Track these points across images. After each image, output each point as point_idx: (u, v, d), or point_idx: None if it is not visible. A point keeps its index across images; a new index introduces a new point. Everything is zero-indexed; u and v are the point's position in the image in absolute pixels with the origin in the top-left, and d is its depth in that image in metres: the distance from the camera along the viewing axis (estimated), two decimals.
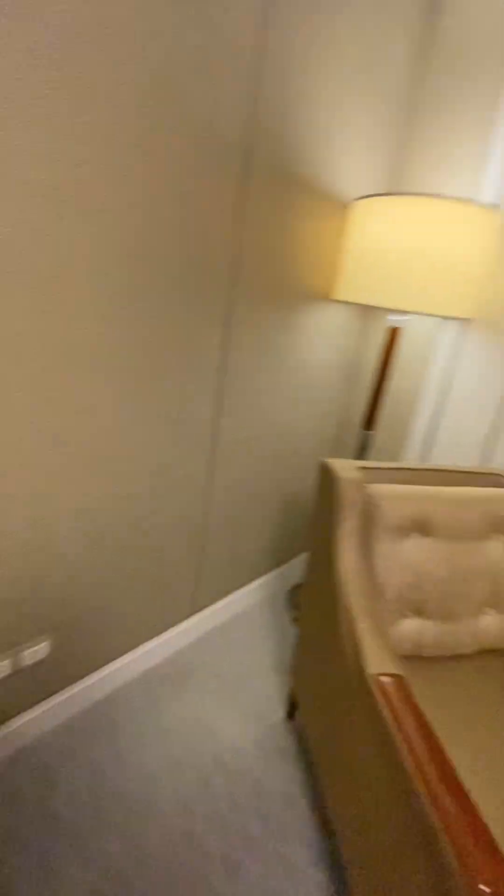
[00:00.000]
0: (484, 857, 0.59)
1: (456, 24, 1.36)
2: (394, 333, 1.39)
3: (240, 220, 1.12)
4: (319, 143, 1.23)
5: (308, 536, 2.09)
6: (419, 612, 1.07)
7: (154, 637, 1.47)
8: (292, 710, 1.38)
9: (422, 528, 1.06)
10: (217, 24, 0.90)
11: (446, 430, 1.58)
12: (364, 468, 1.10)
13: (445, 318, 1.20)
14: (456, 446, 1.57)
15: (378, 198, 1.18)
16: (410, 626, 1.06)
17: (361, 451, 1.55)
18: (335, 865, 1.05)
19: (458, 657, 1.13)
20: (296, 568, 2.02)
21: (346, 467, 1.08)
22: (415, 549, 1.04)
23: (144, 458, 1.17)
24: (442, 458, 1.60)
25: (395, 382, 1.69)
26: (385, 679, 0.83)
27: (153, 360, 1.08)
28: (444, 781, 0.66)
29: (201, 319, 1.15)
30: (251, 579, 1.79)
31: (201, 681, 1.46)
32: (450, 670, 1.09)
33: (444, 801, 0.64)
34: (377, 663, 0.86)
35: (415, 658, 1.11)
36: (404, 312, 1.31)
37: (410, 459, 1.68)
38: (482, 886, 0.57)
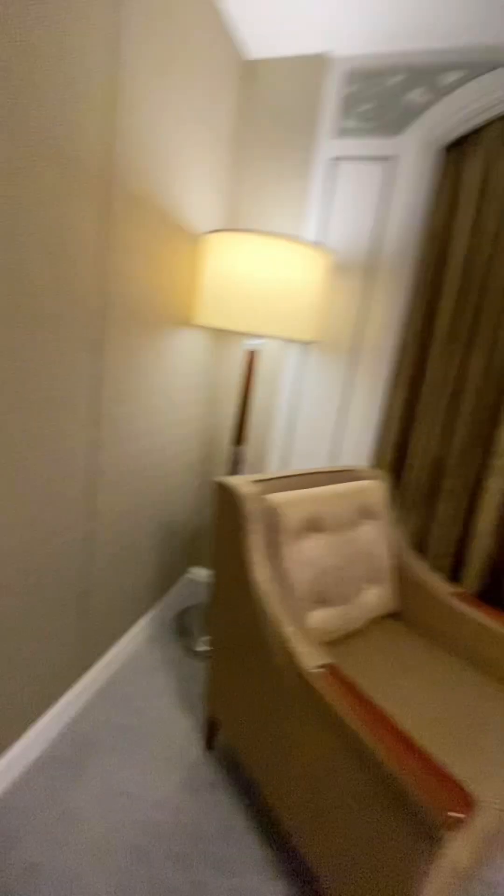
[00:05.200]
0: (450, 791, 0.70)
1: (268, 88, 1.58)
2: (251, 356, 1.52)
3: (106, 248, 1.08)
4: (171, 180, 1.28)
5: (194, 556, 2.07)
6: (323, 601, 1.18)
7: (42, 715, 1.26)
8: (211, 739, 1.35)
9: (315, 526, 1.18)
10: (74, 59, 0.87)
11: (301, 440, 1.79)
12: (257, 481, 1.18)
13: (291, 341, 1.37)
14: (309, 453, 1.78)
15: (224, 233, 1.28)
16: (318, 616, 1.17)
17: (235, 466, 1.63)
18: (300, 877, 1.08)
19: (352, 633, 1.29)
20: (179, 593, 1.98)
21: (242, 483, 1.13)
22: (313, 547, 1.16)
23: (9, 510, 1.01)
24: (300, 465, 1.80)
25: (256, 401, 1.83)
26: (322, 671, 0.90)
27: (14, 398, 0.95)
28: (400, 741, 0.76)
29: (70, 346, 1.06)
30: (138, 617, 1.69)
31: (105, 744, 1.31)
32: (350, 646, 1.24)
33: (407, 759, 0.74)
34: (310, 659, 0.93)
35: (323, 644, 1.22)
36: (256, 336, 1.45)
37: (273, 469, 1.84)
38: (452, 813, 0.68)
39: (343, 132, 1.52)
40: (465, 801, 0.68)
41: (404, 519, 1.72)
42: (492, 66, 1.35)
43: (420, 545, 1.73)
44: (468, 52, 1.34)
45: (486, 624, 1.22)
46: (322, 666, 0.91)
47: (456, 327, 1.55)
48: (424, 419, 1.63)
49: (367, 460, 1.73)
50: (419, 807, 0.69)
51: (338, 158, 1.54)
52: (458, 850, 0.71)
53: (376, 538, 1.36)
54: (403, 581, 1.41)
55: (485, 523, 1.57)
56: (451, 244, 1.53)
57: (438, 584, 1.34)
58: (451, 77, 1.39)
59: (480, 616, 1.23)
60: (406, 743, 0.76)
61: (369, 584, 1.36)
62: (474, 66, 1.36)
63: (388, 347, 1.62)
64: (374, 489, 1.41)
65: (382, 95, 1.46)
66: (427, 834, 0.69)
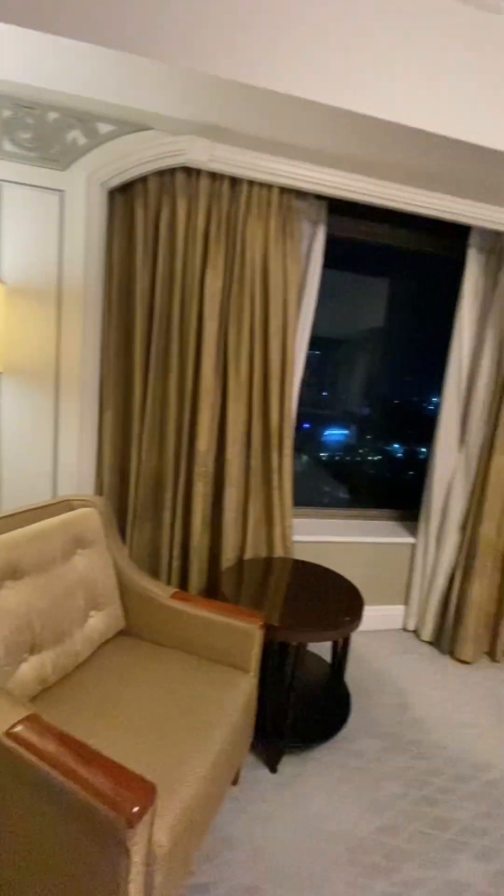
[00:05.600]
0: (130, 790, 0.78)
1: None
2: None
3: None
4: None
5: None
6: (34, 649, 1.14)
7: None
8: None
9: (13, 574, 1.13)
10: None
11: (7, 483, 1.65)
12: None
13: None
14: (25, 494, 1.67)
15: None
16: (30, 667, 1.12)
17: None
18: None
19: (79, 666, 1.29)
20: None
21: None
22: (12, 597, 1.10)
23: None
24: (15, 502, 1.67)
25: None
26: (17, 728, 0.87)
27: None
28: (91, 763, 0.81)
29: None
30: None
31: None
32: (72, 680, 1.24)
33: (93, 778, 0.78)
34: (2, 721, 0.88)
35: (44, 692, 1.18)
36: None
37: None
38: (134, 809, 0.76)
39: (5, 155, 1.46)
40: (144, 793, 0.78)
41: (135, 534, 1.81)
42: (141, 128, 1.53)
43: (154, 555, 1.86)
44: (119, 110, 1.48)
45: (198, 614, 1.40)
46: (18, 722, 0.88)
47: (150, 353, 1.71)
48: (138, 439, 1.75)
49: (91, 487, 1.75)
50: (104, 820, 0.76)
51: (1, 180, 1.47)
52: (146, 837, 0.80)
53: (95, 564, 1.39)
54: (130, 596, 1.49)
55: (197, 523, 1.80)
56: (134, 279, 1.67)
57: (160, 590, 1.47)
58: (106, 128, 1.51)
59: (192, 608, 1.41)
60: (93, 764, 0.81)
61: (95, 610, 1.38)
62: (124, 123, 1.51)
63: (91, 374, 1.66)
64: (88, 516, 1.43)
65: (43, 128, 1.47)
66: (116, 839, 0.76)
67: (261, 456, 1.89)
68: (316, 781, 1.48)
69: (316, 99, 1.27)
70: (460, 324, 2.11)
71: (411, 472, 2.63)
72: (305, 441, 2.56)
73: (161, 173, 1.63)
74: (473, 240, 2.04)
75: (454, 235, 2.09)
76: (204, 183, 1.63)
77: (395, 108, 1.33)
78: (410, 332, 2.52)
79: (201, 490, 1.78)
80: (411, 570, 2.40)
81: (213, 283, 1.68)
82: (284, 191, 1.70)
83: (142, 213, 1.63)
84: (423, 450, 2.59)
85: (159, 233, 1.65)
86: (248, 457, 1.87)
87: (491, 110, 1.40)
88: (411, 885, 1.21)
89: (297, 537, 2.17)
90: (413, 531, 2.40)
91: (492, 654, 2.27)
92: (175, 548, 1.84)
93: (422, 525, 2.31)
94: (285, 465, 1.89)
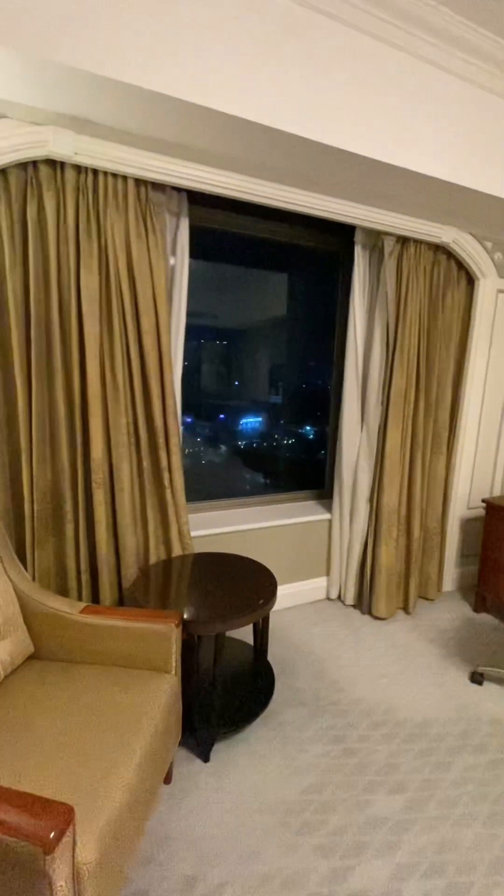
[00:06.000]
0: (43, 817, 0.76)
1: None
2: None
3: None
4: None
5: None
6: None
7: None
8: None
9: None
10: None
11: None
12: None
13: None
14: None
15: None
16: None
17: None
18: None
19: None
20: None
21: None
22: None
23: None
24: None
25: None
26: None
27: None
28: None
29: None
30: None
31: None
32: None
33: (2, 815, 0.75)
34: None
35: None
36: None
37: None
38: (51, 835, 0.74)
39: None
40: (60, 817, 0.76)
41: (38, 553, 1.71)
42: None
43: (61, 573, 1.77)
44: None
45: (111, 624, 1.38)
46: None
47: (32, 360, 1.60)
48: (27, 453, 1.64)
49: None
50: (21, 853, 0.73)
51: None
52: (68, 859, 0.79)
53: None
54: (36, 619, 1.41)
55: (101, 533, 1.75)
56: (5, 282, 1.54)
57: (69, 608, 1.41)
58: None
59: (104, 620, 1.38)
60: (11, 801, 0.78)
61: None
62: None
63: None
64: None
65: None
66: (35, 869, 0.74)
67: (149, 457, 1.86)
68: (247, 761, 1.55)
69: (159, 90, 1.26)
70: (353, 314, 2.27)
71: (323, 452, 2.80)
72: (220, 432, 2.59)
73: (24, 166, 1.52)
74: (358, 237, 2.20)
75: (344, 233, 2.25)
76: (70, 176, 1.55)
77: (219, 96, 1.36)
78: (310, 320, 2.65)
79: (101, 499, 1.73)
80: (329, 543, 2.58)
81: (90, 282, 1.61)
82: (140, 182, 1.65)
83: (5, 209, 1.51)
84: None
85: (28, 230, 1.54)
86: (138, 459, 1.85)
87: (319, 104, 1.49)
88: (338, 833, 1.33)
89: (217, 529, 2.22)
90: (328, 508, 2.58)
91: (405, 608, 2.54)
92: (83, 562, 1.78)
93: (336, 501, 2.49)
94: (174, 462, 1.88)
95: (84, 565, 1.78)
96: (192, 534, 2.16)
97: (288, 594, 2.52)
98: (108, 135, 1.51)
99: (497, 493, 2.82)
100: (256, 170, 1.71)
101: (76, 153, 1.50)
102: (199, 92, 1.29)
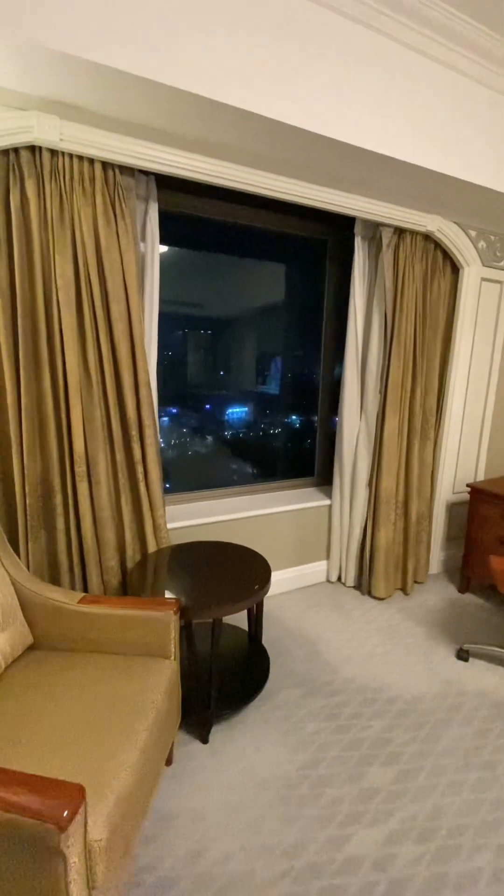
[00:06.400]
0: (55, 797, 0.78)
1: None
2: None
3: None
4: None
5: None
6: None
7: None
8: None
9: None
10: None
11: None
12: None
13: None
14: None
15: None
16: None
17: None
18: None
19: None
20: None
21: None
22: None
23: None
24: None
25: None
26: None
27: None
28: (10, 784, 0.79)
29: None
30: None
31: None
32: None
33: (14, 798, 0.77)
34: None
35: None
36: None
37: None
38: (64, 814, 0.77)
39: None
40: (72, 796, 0.79)
41: (31, 546, 1.71)
42: None
43: (53, 565, 1.78)
44: None
45: (110, 613, 1.40)
46: None
47: (19, 350, 1.58)
48: (17, 444, 1.63)
49: None
50: (35, 833, 0.76)
51: None
52: (81, 836, 0.82)
53: None
54: (35, 610, 1.42)
55: (87, 526, 1.75)
56: None
57: (67, 598, 1.43)
58: None
59: (103, 609, 1.40)
60: (11, 784, 0.80)
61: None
62: None
63: None
64: None
65: None
66: (50, 847, 0.77)
67: (123, 449, 1.82)
68: (245, 740, 1.60)
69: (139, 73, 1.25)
70: (353, 304, 2.31)
71: (309, 441, 2.82)
72: (211, 422, 2.60)
73: (5, 152, 1.48)
74: (357, 228, 2.23)
75: (330, 221, 2.27)
76: (46, 160, 1.50)
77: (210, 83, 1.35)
78: (297, 308, 2.66)
79: (85, 491, 1.72)
80: (329, 528, 2.66)
81: (65, 270, 1.57)
82: (108, 166, 1.60)
83: None
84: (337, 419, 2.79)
85: (11, 217, 1.51)
86: (112, 452, 1.81)
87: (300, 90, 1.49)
88: (335, 804, 1.39)
89: (217, 518, 2.26)
90: (327, 494, 2.66)
91: (403, 589, 2.63)
92: (74, 555, 1.78)
93: (336, 486, 2.56)
94: (149, 454, 1.85)
95: (76, 559, 1.78)
96: (188, 523, 2.19)
97: (288, 578, 2.59)
98: (93, 121, 1.48)
99: (481, 477, 2.90)
100: (229, 153, 1.68)
101: (62, 139, 1.47)
102: (195, 80, 1.28)
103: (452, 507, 2.85)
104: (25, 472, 1.65)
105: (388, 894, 1.17)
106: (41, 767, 1.00)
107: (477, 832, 1.32)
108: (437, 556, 2.87)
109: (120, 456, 1.82)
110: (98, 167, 1.59)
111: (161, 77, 1.25)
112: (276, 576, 2.55)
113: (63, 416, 1.68)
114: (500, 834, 1.32)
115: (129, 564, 1.89)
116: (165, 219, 1.94)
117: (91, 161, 1.58)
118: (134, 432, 1.80)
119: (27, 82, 1.29)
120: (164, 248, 2.20)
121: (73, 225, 1.59)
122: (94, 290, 1.65)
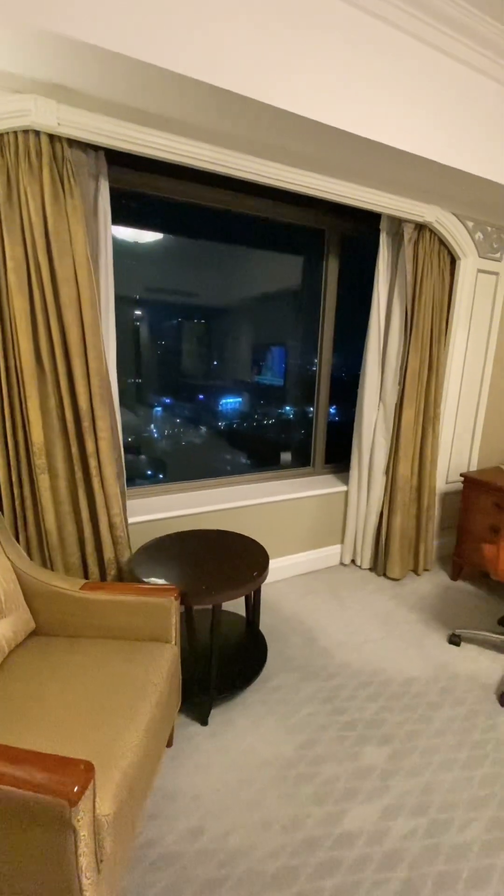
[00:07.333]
0: (66, 773, 0.81)
1: None
2: None
3: None
4: None
5: None
6: None
7: None
8: None
9: None
10: None
11: None
12: None
13: None
14: None
15: None
16: None
17: None
18: None
19: None
20: None
21: None
22: None
23: None
24: None
25: None
26: None
27: None
28: (21, 762, 0.81)
29: None
30: None
31: None
32: None
33: (26, 775, 0.80)
34: None
35: None
36: None
37: None
38: (75, 788, 0.79)
39: None
40: (81, 772, 0.81)
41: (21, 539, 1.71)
42: None
43: (48, 552, 1.77)
44: None
45: (112, 599, 1.42)
46: None
47: None
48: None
49: None
50: (47, 807, 0.78)
51: None
52: (90, 810, 0.85)
53: None
54: (36, 596, 1.44)
55: (51, 521, 1.72)
56: None
57: (68, 585, 1.44)
58: None
59: (105, 595, 1.42)
60: (22, 762, 0.82)
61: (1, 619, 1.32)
62: None
63: None
64: None
65: None
66: (61, 821, 0.80)
67: (76, 442, 1.72)
68: (243, 723, 1.63)
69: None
70: (377, 296, 2.38)
71: (304, 431, 2.85)
72: (214, 413, 2.61)
73: None
74: (383, 224, 2.30)
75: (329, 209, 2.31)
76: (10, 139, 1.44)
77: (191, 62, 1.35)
78: (296, 298, 2.66)
79: (45, 483, 1.68)
80: (345, 513, 2.75)
81: (14, 251, 1.49)
82: (55, 139, 1.49)
83: None
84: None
85: None
86: (67, 444, 1.73)
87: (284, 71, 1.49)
88: (331, 782, 1.43)
89: (231, 503, 2.32)
90: (345, 481, 2.75)
91: (416, 570, 2.76)
92: (45, 549, 1.77)
93: (353, 473, 2.66)
94: (103, 449, 1.73)
95: (47, 553, 1.78)
96: (194, 511, 2.22)
97: (304, 561, 2.69)
98: (90, 105, 1.46)
99: (474, 467, 2.94)
100: (214, 137, 1.65)
101: (59, 123, 1.45)
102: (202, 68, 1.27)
103: (445, 497, 2.89)
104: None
105: (383, 866, 1.22)
106: (50, 746, 1.02)
107: (467, 807, 1.38)
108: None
109: (75, 449, 1.73)
110: (45, 140, 1.47)
111: (170, 64, 1.24)
112: (289, 559, 2.64)
113: (17, 404, 1.61)
114: (490, 808, 1.37)
115: (89, 561, 1.84)
116: (161, 206, 1.92)
117: (36, 133, 1.46)
118: (86, 423, 1.69)
119: (23, 64, 1.27)
120: (158, 236, 2.19)
121: (20, 203, 1.49)
122: (44, 273, 1.54)
